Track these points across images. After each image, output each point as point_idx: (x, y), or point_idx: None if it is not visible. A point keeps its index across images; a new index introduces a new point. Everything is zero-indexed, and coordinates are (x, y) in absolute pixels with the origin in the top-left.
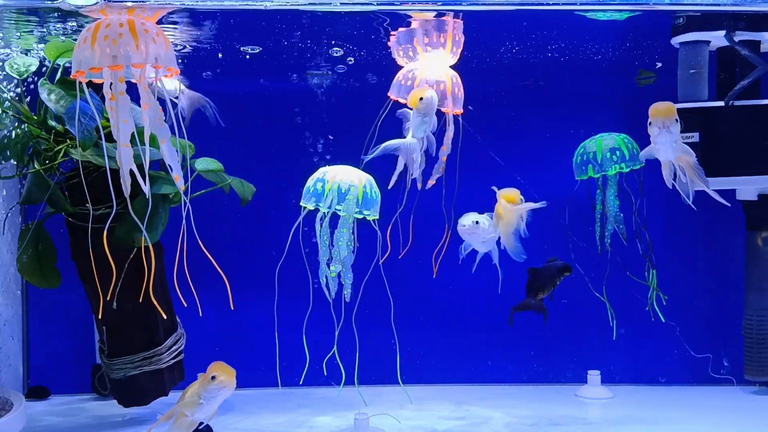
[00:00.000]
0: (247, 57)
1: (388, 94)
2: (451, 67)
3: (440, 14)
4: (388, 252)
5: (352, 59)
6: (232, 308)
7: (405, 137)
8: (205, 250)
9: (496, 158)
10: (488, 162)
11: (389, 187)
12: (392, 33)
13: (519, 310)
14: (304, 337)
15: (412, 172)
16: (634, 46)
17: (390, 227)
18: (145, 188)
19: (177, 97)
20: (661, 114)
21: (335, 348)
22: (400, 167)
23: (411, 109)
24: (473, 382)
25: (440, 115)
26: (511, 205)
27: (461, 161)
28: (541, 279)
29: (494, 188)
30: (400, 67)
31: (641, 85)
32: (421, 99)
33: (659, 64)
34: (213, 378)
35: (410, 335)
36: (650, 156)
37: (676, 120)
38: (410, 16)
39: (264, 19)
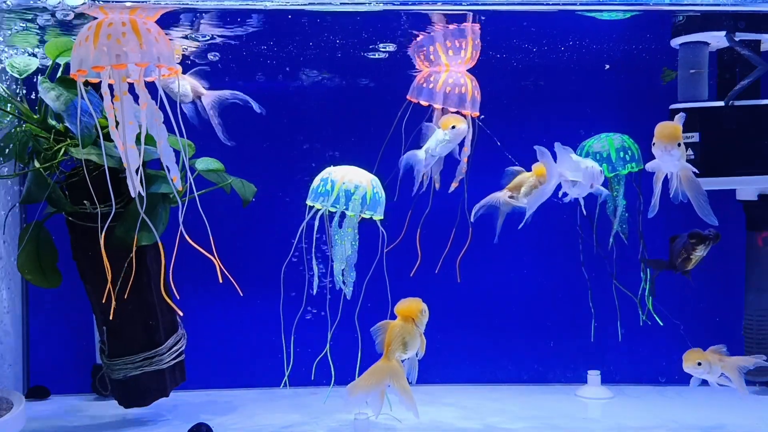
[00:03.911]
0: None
1: (408, 96)
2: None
3: (459, 18)
4: (418, 262)
5: (360, 59)
6: (241, 294)
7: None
8: (195, 245)
9: (513, 160)
10: (496, 162)
11: (415, 188)
12: (415, 36)
13: (650, 265)
14: (292, 336)
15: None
16: (634, 46)
17: (419, 230)
18: (135, 188)
19: (184, 96)
20: (665, 139)
21: (327, 348)
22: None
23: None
24: (474, 382)
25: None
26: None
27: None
28: (673, 247)
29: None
30: (405, 69)
31: (665, 82)
32: (453, 127)
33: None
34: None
35: None
36: (656, 169)
37: (679, 144)
38: (431, 20)
39: (266, 18)
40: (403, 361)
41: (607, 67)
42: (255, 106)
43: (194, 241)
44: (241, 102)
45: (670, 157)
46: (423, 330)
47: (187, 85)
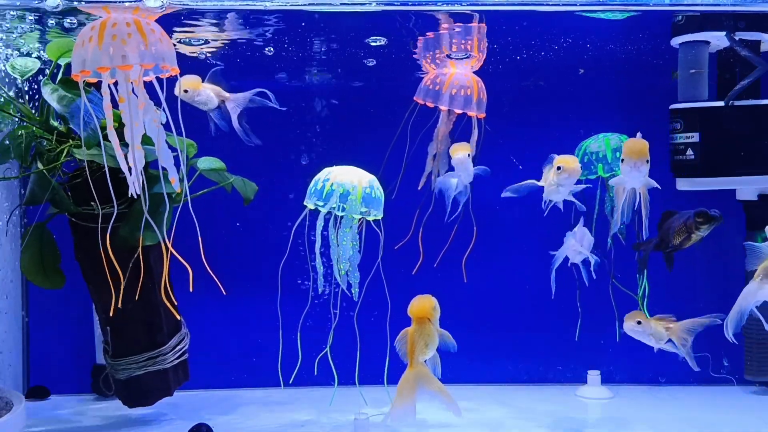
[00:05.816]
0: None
1: (415, 98)
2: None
3: (465, 18)
4: (420, 260)
5: (371, 60)
6: (224, 293)
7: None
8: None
9: (515, 162)
10: (498, 163)
11: (419, 188)
12: (419, 38)
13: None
14: (298, 335)
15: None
16: (634, 46)
17: (421, 230)
18: (137, 189)
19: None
20: (634, 155)
21: (328, 348)
22: (428, 168)
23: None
24: (473, 382)
25: (467, 118)
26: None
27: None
28: (669, 224)
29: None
30: (412, 71)
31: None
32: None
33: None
34: None
35: None
36: (620, 183)
37: (647, 161)
38: (439, 21)
39: (269, 18)
40: (425, 360)
41: (582, 71)
42: (275, 103)
43: (194, 242)
44: (269, 100)
45: (638, 173)
46: (438, 325)
47: (210, 92)
